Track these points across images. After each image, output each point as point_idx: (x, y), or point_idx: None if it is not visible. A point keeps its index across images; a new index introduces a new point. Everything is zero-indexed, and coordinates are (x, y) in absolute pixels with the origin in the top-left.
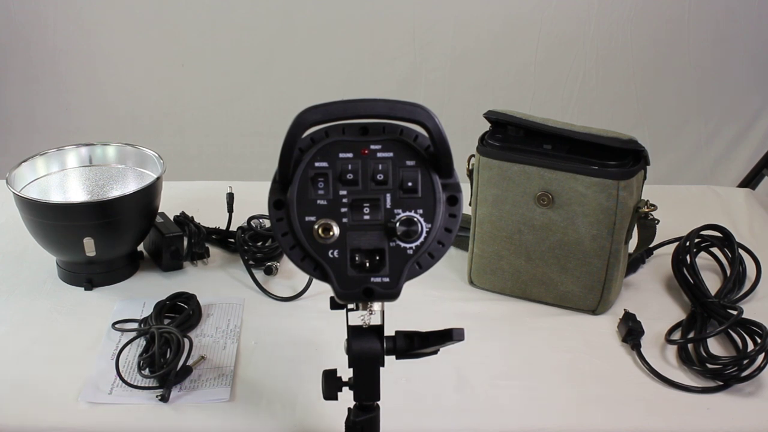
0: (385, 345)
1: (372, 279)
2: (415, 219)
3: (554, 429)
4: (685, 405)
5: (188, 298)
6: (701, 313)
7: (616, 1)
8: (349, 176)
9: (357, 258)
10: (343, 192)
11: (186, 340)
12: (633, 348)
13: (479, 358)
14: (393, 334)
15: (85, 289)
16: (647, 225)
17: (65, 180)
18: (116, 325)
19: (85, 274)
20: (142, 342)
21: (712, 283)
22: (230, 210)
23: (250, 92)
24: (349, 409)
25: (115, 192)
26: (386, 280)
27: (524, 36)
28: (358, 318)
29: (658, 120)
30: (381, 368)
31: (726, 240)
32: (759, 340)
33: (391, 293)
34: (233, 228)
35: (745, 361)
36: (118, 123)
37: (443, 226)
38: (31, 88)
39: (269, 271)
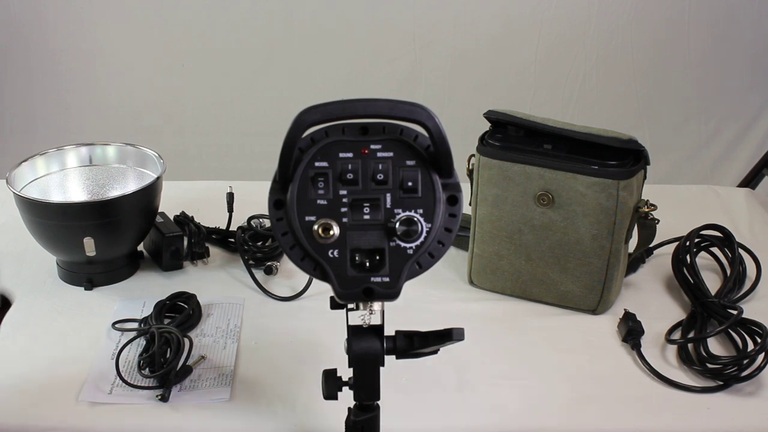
0: (385, 345)
1: (372, 279)
2: (415, 219)
3: (554, 429)
4: (685, 405)
5: (188, 298)
6: (701, 312)
7: (616, 1)
8: (349, 176)
9: (357, 258)
10: (343, 192)
11: (186, 340)
12: (633, 348)
13: (479, 358)
14: (393, 334)
15: (85, 289)
16: (647, 225)
17: (65, 180)
18: (116, 325)
19: (85, 274)
20: (142, 342)
21: (712, 283)
22: (230, 210)
23: (250, 92)
24: (349, 408)
25: (115, 192)
26: (386, 279)
27: (524, 36)
28: (358, 318)
29: (658, 120)
30: (381, 368)
31: (726, 240)
32: (759, 340)
33: (391, 293)
34: (233, 228)
35: (745, 361)
36: (118, 123)
37: (443, 225)
38: (31, 88)
39: (269, 271)
